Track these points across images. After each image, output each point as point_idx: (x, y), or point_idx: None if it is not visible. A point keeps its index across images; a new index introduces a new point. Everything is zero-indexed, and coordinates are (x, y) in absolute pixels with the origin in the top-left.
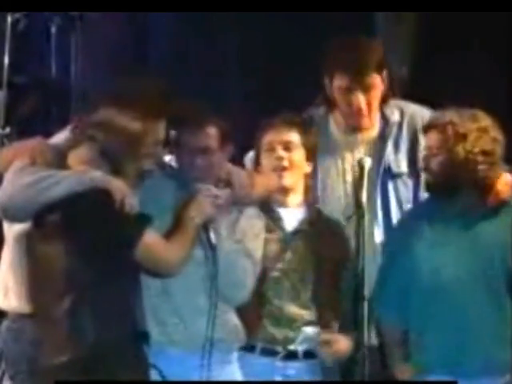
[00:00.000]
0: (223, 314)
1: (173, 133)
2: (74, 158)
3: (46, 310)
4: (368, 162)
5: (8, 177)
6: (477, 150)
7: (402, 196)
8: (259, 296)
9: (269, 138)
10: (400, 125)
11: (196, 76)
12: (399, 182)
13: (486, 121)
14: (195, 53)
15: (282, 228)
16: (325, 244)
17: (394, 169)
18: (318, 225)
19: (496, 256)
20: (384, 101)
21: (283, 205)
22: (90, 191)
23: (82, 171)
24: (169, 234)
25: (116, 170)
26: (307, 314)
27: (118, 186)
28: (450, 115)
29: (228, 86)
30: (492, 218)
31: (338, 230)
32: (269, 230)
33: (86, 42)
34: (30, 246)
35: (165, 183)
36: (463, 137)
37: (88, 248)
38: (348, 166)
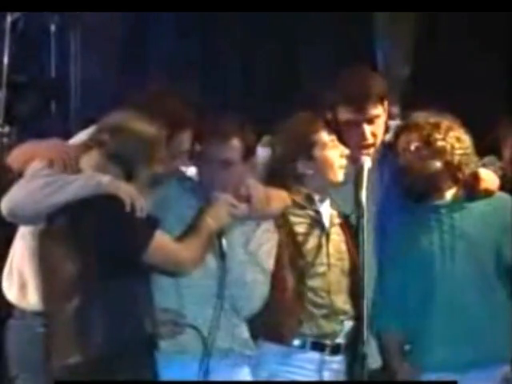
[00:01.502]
0: (234, 327)
1: (196, 144)
2: (85, 162)
3: (54, 311)
4: (368, 162)
5: (21, 180)
6: (451, 134)
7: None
8: (309, 290)
9: None
10: None
11: (196, 75)
12: (398, 204)
13: (453, 119)
14: (195, 52)
15: (321, 222)
16: (353, 236)
17: (394, 190)
18: (343, 218)
19: (484, 249)
20: (386, 130)
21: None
22: (97, 196)
23: (88, 176)
24: (182, 236)
25: (127, 175)
26: (349, 309)
27: (126, 190)
28: (419, 114)
29: (229, 96)
30: (479, 211)
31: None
32: (310, 225)
33: (86, 41)
34: (40, 244)
35: (183, 193)
36: (436, 125)
37: (96, 252)
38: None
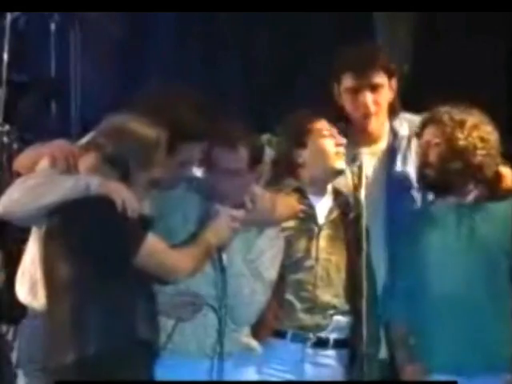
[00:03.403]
0: (232, 331)
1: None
2: (82, 164)
3: (51, 311)
4: (366, 160)
5: (17, 180)
6: (475, 134)
7: (409, 209)
8: (294, 283)
9: None
10: (409, 138)
11: (196, 75)
12: (407, 196)
13: (480, 115)
14: (196, 49)
15: (314, 216)
16: (354, 232)
17: (403, 183)
18: (346, 213)
19: (499, 254)
20: (393, 112)
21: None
22: (87, 197)
23: (78, 178)
24: (181, 245)
25: (124, 178)
26: (339, 303)
27: (116, 190)
28: (446, 108)
29: (229, 96)
30: (497, 212)
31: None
32: (302, 219)
33: (86, 40)
34: (41, 245)
35: (189, 193)
36: (460, 124)
37: (89, 252)
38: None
